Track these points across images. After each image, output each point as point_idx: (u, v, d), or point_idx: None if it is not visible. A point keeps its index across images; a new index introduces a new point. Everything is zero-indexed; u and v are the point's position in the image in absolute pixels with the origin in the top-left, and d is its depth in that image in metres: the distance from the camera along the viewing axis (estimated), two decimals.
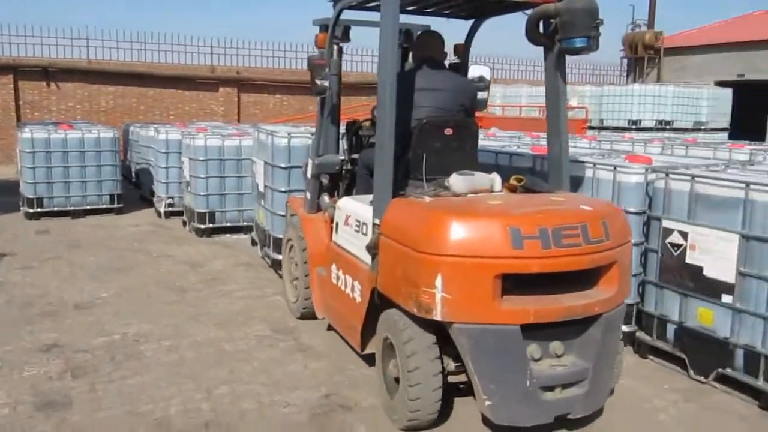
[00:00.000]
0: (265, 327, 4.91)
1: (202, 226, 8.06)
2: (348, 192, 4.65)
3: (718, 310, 3.86)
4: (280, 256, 5.68)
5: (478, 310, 3.00)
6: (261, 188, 6.56)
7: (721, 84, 20.27)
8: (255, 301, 5.55)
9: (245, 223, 8.21)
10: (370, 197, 3.76)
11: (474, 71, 4.48)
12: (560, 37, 3.56)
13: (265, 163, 6.33)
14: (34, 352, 4.38)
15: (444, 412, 3.40)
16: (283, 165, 6.05)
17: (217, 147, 8.00)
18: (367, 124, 4.75)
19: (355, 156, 4.66)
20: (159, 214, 9.37)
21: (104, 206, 9.44)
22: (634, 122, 17.29)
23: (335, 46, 4.52)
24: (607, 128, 17.12)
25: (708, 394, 3.90)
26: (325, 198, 4.69)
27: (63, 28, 17.91)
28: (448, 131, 3.86)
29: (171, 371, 4.12)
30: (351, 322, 3.92)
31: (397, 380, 3.36)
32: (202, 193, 8.00)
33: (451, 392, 3.43)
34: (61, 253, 7.13)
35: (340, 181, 4.75)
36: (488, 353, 3.02)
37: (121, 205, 9.58)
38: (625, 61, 26.09)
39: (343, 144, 4.85)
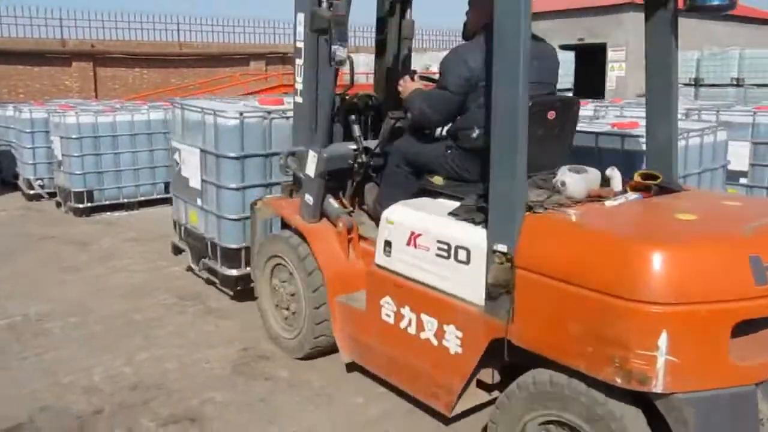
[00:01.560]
0: (170, 295, 5.07)
1: (81, 206, 7.88)
2: (358, 193, 3.93)
3: None
4: (234, 272, 4.71)
5: (709, 371, 2.25)
6: (194, 183, 5.03)
7: (564, 47, 21.93)
8: (153, 273, 5.66)
9: (125, 200, 8.14)
10: (443, 205, 3.11)
11: None
12: None
13: (203, 151, 4.81)
14: None
15: None
16: (233, 154, 4.62)
17: (90, 124, 7.80)
18: (366, 101, 4.04)
19: (368, 145, 3.83)
20: (28, 197, 8.98)
21: None
22: None
23: None
24: None
25: None
26: (333, 202, 3.79)
27: None
28: (551, 114, 3.01)
29: (84, 344, 4.22)
30: (436, 379, 2.98)
31: None
32: (77, 172, 7.80)
33: None
34: None
35: (350, 178, 3.90)
36: (720, 426, 2.30)
37: None
38: None
39: (354, 129, 3.89)
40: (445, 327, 2.89)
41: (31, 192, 8.92)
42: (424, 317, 3.00)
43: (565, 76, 19.97)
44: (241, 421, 3.29)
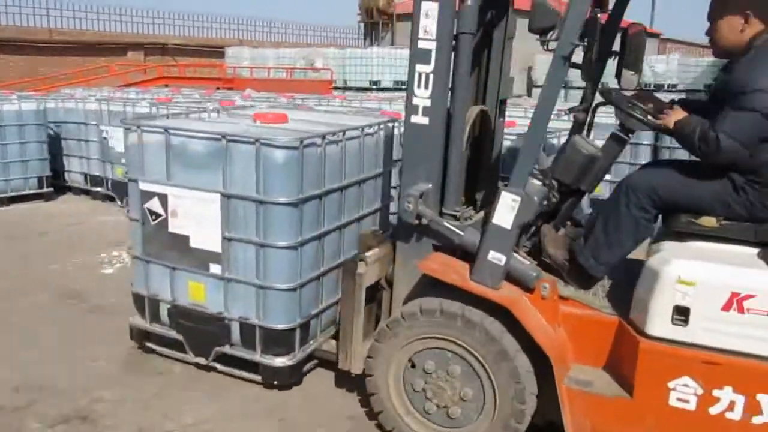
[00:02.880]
0: (50, 294, 4.85)
1: None
2: (534, 241, 3.07)
3: None
4: (287, 360, 3.48)
5: None
6: (203, 243, 3.53)
7: None
8: (29, 272, 5.38)
9: (13, 193, 7.74)
10: (738, 253, 2.64)
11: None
12: None
13: (227, 196, 3.42)
14: None
15: None
16: (287, 199, 3.35)
17: None
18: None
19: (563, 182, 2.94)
20: None
21: None
22: (375, 83, 18.75)
23: None
24: (351, 88, 18.33)
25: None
26: (521, 258, 2.90)
27: None
28: None
29: None
30: None
31: None
32: None
33: None
34: None
35: (529, 224, 2.99)
36: None
37: None
38: (362, 25, 27.78)
39: (543, 158, 3.10)
40: None
41: None
42: (763, 398, 2.51)
43: None
44: (136, 417, 3.24)
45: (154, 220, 3.65)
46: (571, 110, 2.99)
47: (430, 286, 3.01)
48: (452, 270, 2.90)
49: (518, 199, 2.72)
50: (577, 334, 2.87)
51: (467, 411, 2.90)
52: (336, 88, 18.05)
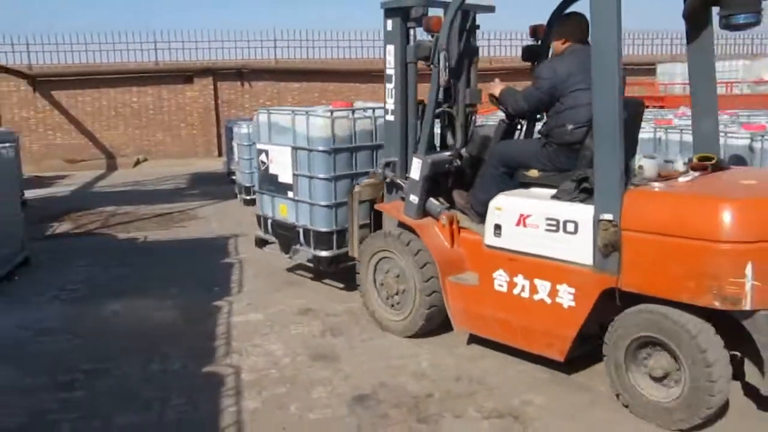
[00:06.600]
0: None
1: None
2: (450, 192, 4.61)
3: None
4: (327, 253, 5.38)
5: None
6: (284, 178, 5.66)
7: None
8: None
9: None
10: (540, 192, 3.83)
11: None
12: (723, 12, 3.42)
13: (294, 148, 5.45)
14: (293, 314, 5.14)
15: None
16: (324, 148, 5.28)
17: None
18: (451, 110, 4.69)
19: (460, 149, 4.58)
20: None
21: None
22: None
23: None
24: None
25: None
26: (434, 201, 4.44)
27: (253, 31, 19.20)
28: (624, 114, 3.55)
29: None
30: (552, 331, 3.65)
31: (657, 379, 3.29)
32: None
33: None
34: None
35: (443, 181, 4.63)
36: None
37: None
38: None
39: (449, 138, 4.76)
40: (558, 287, 3.58)
41: None
42: (537, 282, 3.69)
43: None
44: (562, 427, 3.36)
45: (262, 167, 5.95)
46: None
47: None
48: (395, 208, 4.66)
49: (420, 161, 4.38)
50: (468, 251, 4.22)
51: (403, 290, 4.54)
52: None
